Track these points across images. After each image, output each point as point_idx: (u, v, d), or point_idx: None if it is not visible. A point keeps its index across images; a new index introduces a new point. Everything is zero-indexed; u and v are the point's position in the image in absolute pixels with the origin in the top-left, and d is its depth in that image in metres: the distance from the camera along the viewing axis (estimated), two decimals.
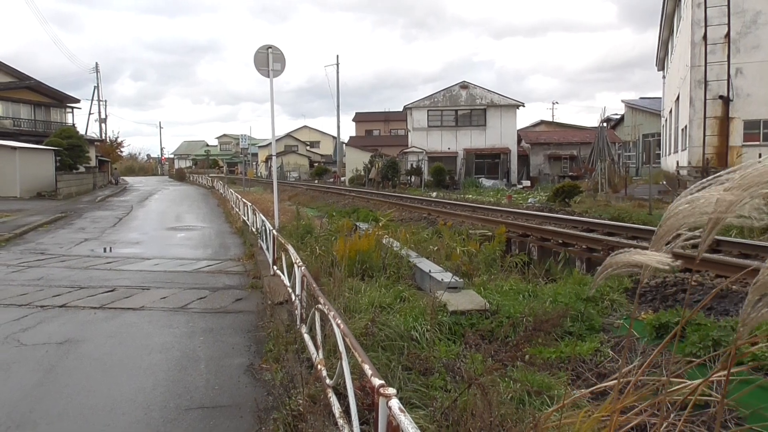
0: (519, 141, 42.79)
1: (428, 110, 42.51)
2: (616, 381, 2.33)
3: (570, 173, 37.22)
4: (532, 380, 3.95)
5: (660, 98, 36.39)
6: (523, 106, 42.50)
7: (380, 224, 11.26)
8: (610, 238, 10.11)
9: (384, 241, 8.85)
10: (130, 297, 7.90)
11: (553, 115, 66.77)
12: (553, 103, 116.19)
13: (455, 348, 4.83)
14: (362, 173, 43.72)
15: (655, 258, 1.65)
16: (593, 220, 13.52)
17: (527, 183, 37.97)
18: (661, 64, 35.36)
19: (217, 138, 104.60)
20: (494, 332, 5.15)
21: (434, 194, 29.05)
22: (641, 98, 46.71)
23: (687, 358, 4.08)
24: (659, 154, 36.12)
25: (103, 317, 6.88)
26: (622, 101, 49.18)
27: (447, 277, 6.66)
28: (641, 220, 13.65)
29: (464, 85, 42.35)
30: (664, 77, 34.52)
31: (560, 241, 10.95)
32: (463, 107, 42.34)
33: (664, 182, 24.83)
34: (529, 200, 24.05)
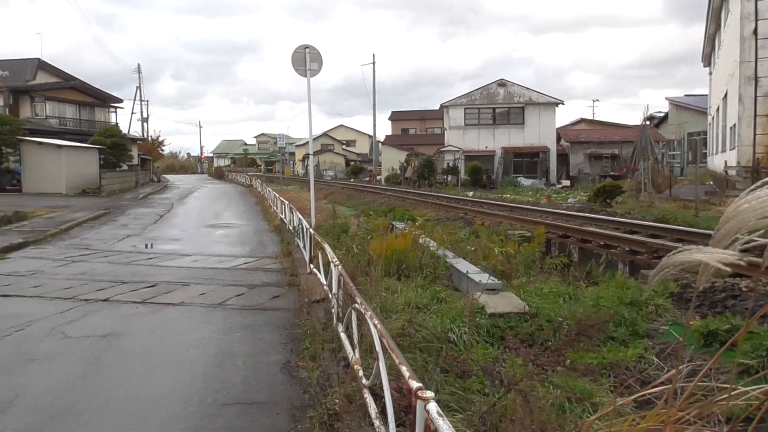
0: (558, 140, 42.14)
1: (465, 108, 42.23)
2: (661, 388, 2.25)
3: (611, 173, 36.46)
4: (573, 386, 3.85)
5: (706, 95, 35.27)
6: (563, 103, 41.88)
7: (417, 224, 11.20)
8: (654, 241, 9.84)
9: (420, 241, 8.80)
10: (170, 293, 8.05)
11: (593, 113, 65.45)
12: (594, 101, 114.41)
13: (493, 351, 4.76)
14: (398, 172, 43.71)
15: (718, 257, 1.56)
16: (636, 221, 13.19)
17: (566, 182, 37.36)
18: (708, 60, 34.26)
19: (255, 137, 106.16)
20: (534, 336, 5.06)
21: (471, 194, 28.80)
22: (686, 95, 45.37)
23: (740, 367, 3.92)
24: (705, 153, 35.05)
25: (144, 312, 7.03)
26: (666, 98, 47.86)
27: (485, 278, 6.57)
28: (687, 222, 13.24)
29: (502, 83, 41.93)
30: (710, 73, 33.42)
31: (602, 243, 10.71)
32: (501, 105, 41.92)
33: (711, 183, 24.08)
34: (569, 200, 23.67)
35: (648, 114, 30.66)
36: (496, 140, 41.56)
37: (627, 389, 3.86)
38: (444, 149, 42.37)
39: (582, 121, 54.53)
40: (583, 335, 4.62)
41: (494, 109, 42.06)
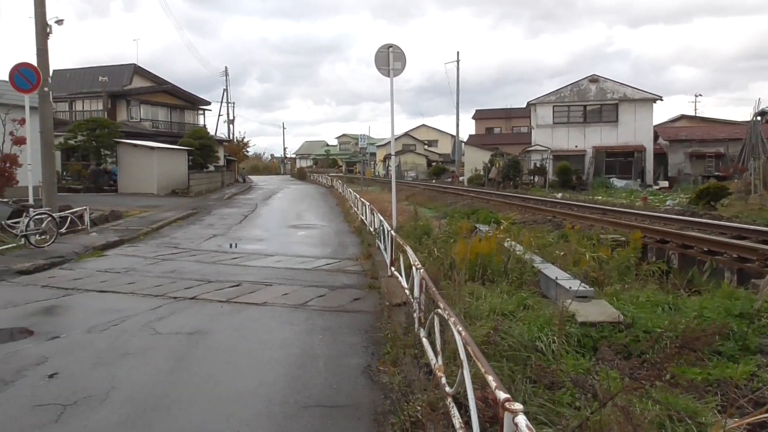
0: (655, 138, 40.20)
1: (554, 106, 41.17)
2: None
3: (716, 173, 34.35)
4: (675, 403, 3.64)
5: None
6: (661, 99, 39.92)
7: (501, 227, 11.02)
8: (766, 247, 9.17)
9: (506, 245, 8.64)
10: (254, 292, 8.33)
11: (695, 109, 61.78)
12: (696, 96, 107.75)
13: (585, 362, 4.59)
14: (481, 173, 43.22)
15: None
16: (745, 225, 12.36)
17: (665, 184, 35.60)
18: None
19: (336, 138, 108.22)
20: (629, 347, 4.83)
21: (559, 195, 28.09)
22: None
23: None
24: None
25: (228, 311, 7.31)
26: None
27: (575, 284, 6.37)
28: None
29: (594, 79, 40.52)
30: None
31: (705, 249, 10.10)
32: (593, 102, 40.55)
33: None
34: (668, 203, 22.68)
35: (759, 109, 28.66)
36: (586, 139, 40.23)
37: (738, 410, 3.61)
38: (531, 149, 41.49)
39: (682, 117, 51.68)
40: (685, 348, 4.36)
41: (585, 106, 40.74)
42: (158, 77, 45.73)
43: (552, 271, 7.44)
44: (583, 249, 9.13)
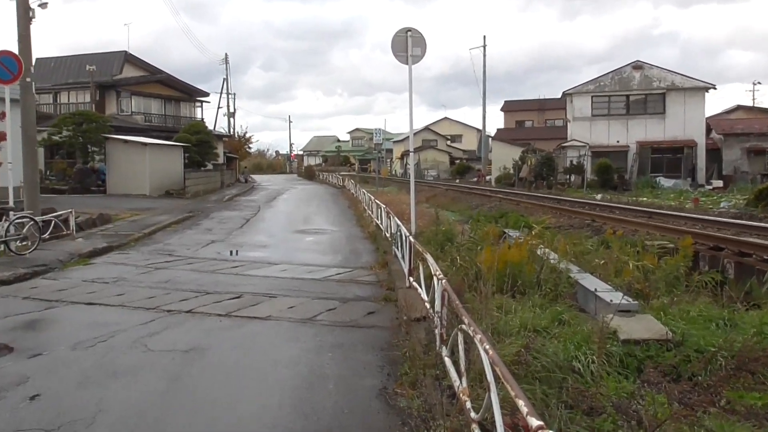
0: (708, 132, 39.82)
1: (593, 96, 40.98)
2: None
3: None
4: None
5: None
6: (714, 88, 39.56)
7: (534, 232, 10.96)
8: None
9: (538, 252, 8.60)
10: (257, 305, 8.37)
11: (753, 99, 61.20)
12: (754, 84, 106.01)
13: (628, 385, 4.55)
14: (511, 171, 43.11)
15: None
16: None
17: (718, 183, 35.26)
18: None
19: (348, 132, 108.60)
20: (679, 369, 4.79)
21: (599, 196, 27.94)
22: None
23: None
24: None
25: (228, 325, 7.35)
26: None
27: (617, 297, 6.32)
28: None
29: (638, 65, 40.29)
30: None
31: (766, 257, 9.98)
32: (636, 92, 40.30)
33: None
34: (722, 204, 22.48)
35: None
36: (629, 133, 39.95)
37: None
38: (566, 144, 41.30)
39: (739, 108, 51.12)
40: (743, 370, 4.30)
41: (628, 96, 40.49)
42: (151, 66, 46.26)
43: (591, 281, 7.39)
44: (626, 257, 9.06)
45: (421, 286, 7.44)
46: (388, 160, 78.23)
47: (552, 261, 8.22)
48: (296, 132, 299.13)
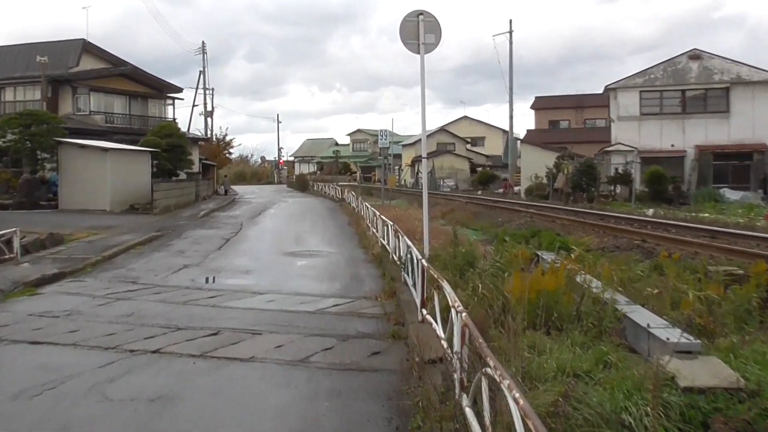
0: None
1: (641, 91, 41.09)
2: None
3: None
4: None
5: None
6: None
7: (572, 255, 10.93)
8: None
9: (578, 279, 8.57)
10: (238, 343, 8.33)
11: None
12: None
13: None
14: (544, 181, 43.14)
15: None
16: None
17: None
18: None
19: (349, 135, 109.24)
20: (755, 425, 4.72)
21: (650, 212, 27.89)
22: None
23: None
24: None
25: (204, 368, 7.30)
26: None
27: (675, 334, 6.27)
28: None
29: (695, 55, 40.41)
30: None
31: None
32: (694, 86, 40.42)
33: None
34: None
35: None
36: (686, 136, 39.99)
37: None
38: (610, 149, 41.36)
39: None
40: None
41: (683, 91, 40.61)
42: (115, 57, 46.71)
43: (642, 315, 7.36)
44: (685, 285, 9.02)
45: (436, 321, 7.41)
46: (396, 168, 78.42)
47: (595, 290, 8.20)
48: (286, 134, 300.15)
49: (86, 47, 44.73)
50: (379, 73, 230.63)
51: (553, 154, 45.47)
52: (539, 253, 12.15)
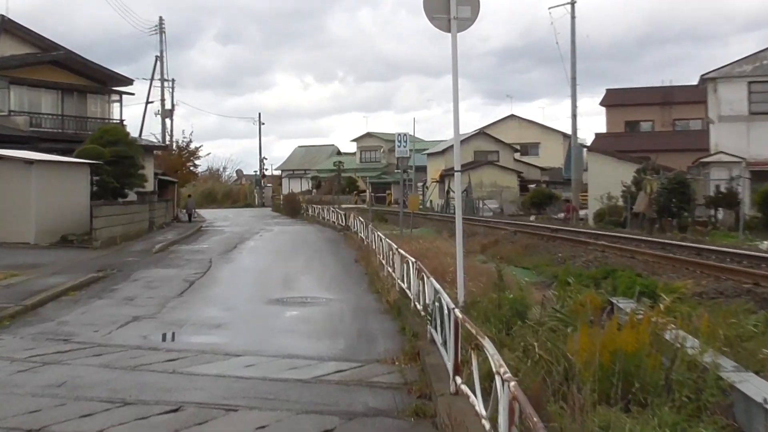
0: None
1: (749, 83, 41.15)
2: None
3: None
4: None
5: None
6: None
7: (660, 303, 10.87)
8: None
9: (668, 337, 8.53)
10: (205, 423, 8.28)
11: None
12: None
13: None
14: (620, 203, 43.02)
15: None
16: None
17: None
18: None
19: (355, 141, 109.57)
20: None
21: (765, 244, 27.69)
22: None
23: None
24: None
25: None
26: None
27: None
28: None
29: None
30: None
31: None
32: None
33: None
34: None
35: None
36: None
37: None
38: (708, 160, 41.31)
39: None
40: None
41: None
42: (43, 39, 47.04)
43: (757, 386, 7.32)
44: None
45: (474, 392, 7.39)
46: (420, 185, 78.55)
47: (691, 351, 8.17)
48: (271, 140, 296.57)
49: (5, 26, 44.94)
50: (395, 58, 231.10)
51: (632, 166, 45.30)
52: (614, 301, 12.11)
